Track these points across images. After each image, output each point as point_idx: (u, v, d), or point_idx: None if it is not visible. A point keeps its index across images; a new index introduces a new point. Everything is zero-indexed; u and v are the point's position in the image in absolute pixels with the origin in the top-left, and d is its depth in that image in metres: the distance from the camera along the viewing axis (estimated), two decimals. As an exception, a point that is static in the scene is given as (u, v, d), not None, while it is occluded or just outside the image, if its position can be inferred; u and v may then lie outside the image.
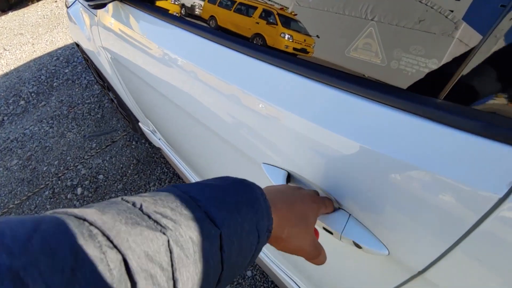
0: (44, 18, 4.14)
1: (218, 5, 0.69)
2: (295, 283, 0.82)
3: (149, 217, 0.23)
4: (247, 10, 0.61)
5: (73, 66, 2.88)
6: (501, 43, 0.26)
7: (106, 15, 1.08)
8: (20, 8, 4.78)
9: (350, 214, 0.42)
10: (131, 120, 1.72)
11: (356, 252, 0.42)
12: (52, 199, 1.74)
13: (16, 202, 1.77)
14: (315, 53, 0.46)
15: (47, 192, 1.78)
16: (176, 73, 0.74)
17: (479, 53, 0.28)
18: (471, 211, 0.29)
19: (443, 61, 0.31)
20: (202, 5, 0.72)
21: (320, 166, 0.44)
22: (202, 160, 0.98)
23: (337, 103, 0.40)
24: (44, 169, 1.94)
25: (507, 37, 0.26)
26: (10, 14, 4.67)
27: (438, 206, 0.32)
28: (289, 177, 0.50)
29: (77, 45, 1.75)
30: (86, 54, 1.65)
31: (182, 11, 0.78)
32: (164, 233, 0.23)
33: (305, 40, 0.48)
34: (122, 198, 0.25)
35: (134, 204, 0.24)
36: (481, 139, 0.28)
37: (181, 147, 1.14)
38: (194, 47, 0.67)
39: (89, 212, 0.21)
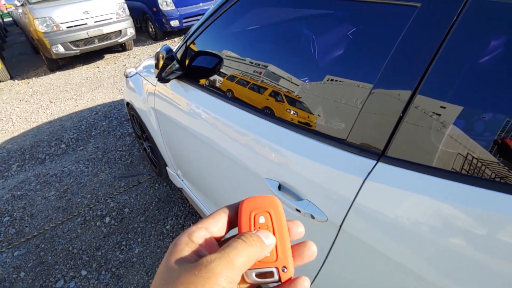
0: (87, 79, 4.88)
1: (236, 83, 1.13)
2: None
3: None
4: (258, 88, 1.03)
5: (109, 120, 3.42)
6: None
7: (162, 85, 1.58)
8: (66, 70, 5.61)
9: (309, 201, 0.79)
10: (160, 165, 2.13)
11: (311, 222, 0.79)
12: (83, 225, 2.06)
13: (51, 225, 2.09)
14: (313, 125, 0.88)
15: (79, 219, 2.11)
16: (208, 125, 1.18)
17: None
18: (351, 187, 0.68)
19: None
20: (222, 81, 1.18)
21: (298, 178, 0.83)
22: (216, 189, 1.35)
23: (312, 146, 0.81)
24: (78, 200, 2.29)
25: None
26: (58, 73, 5.48)
27: (339, 187, 0.70)
28: (280, 186, 0.89)
29: (127, 104, 2.27)
30: (134, 111, 2.14)
31: (208, 83, 1.25)
32: None
33: (308, 117, 0.88)
34: None
35: None
36: (355, 156, 0.69)
37: (203, 182, 1.52)
38: (221, 109, 1.12)
39: None
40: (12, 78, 5.55)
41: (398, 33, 0.64)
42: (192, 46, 1.41)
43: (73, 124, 3.47)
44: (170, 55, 1.26)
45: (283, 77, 0.95)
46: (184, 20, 6.22)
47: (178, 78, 1.47)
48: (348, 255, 0.75)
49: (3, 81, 5.41)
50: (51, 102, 4.21)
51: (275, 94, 0.96)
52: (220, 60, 1.19)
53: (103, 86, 4.48)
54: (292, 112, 0.90)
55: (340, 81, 0.78)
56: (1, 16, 13.82)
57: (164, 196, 2.22)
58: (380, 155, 0.65)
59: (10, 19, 16.94)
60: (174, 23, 6.15)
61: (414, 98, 0.60)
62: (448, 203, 0.55)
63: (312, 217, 0.77)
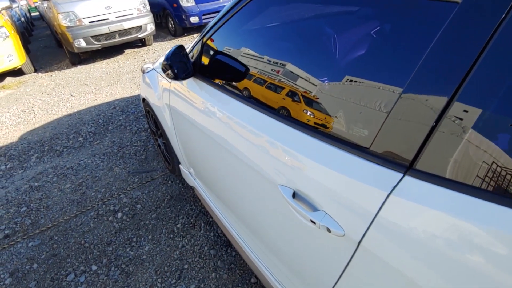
0: (107, 74, 4.95)
1: (252, 81, 1.08)
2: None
3: None
4: (275, 88, 0.96)
5: (126, 115, 3.44)
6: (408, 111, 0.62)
7: (178, 82, 1.54)
8: (88, 64, 5.72)
9: (326, 213, 0.74)
10: (173, 162, 2.11)
11: (327, 236, 0.73)
12: (95, 219, 2.06)
13: (65, 218, 2.11)
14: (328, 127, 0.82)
15: (92, 213, 2.12)
16: (222, 125, 1.13)
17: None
18: (373, 202, 0.62)
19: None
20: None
21: (315, 186, 0.77)
22: (229, 192, 1.31)
23: (319, 149, 0.75)
24: (92, 194, 2.31)
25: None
26: (79, 67, 5.59)
27: (359, 199, 0.64)
28: (294, 194, 0.83)
29: (143, 99, 2.26)
30: (150, 107, 2.13)
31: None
32: None
33: (325, 118, 0.79)
34: None
35: None
36: (380, 167, 0.62)
37: (215, 183, 1.48)
38: (236, 108, 1.07)
39: None
40: (36, 70, 5.71)
41: (434, 32, 0.57)
42: (209, 42, 1.37)
43: (91, 117, 3.52)
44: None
45: (301, 77, 0.90)
46: (203, 17, 6.22)
47: (194, 75, 1.43)
48: (366, 274, 0.69)
49: (27, 74, 5.57)
50: (71, 95, 4.29)
51: (292, 94, 0.91)
52: (245, 69, 1.13)
53: (122, 81, 4.53)
54: (309, 113, 0.84)
55: (365, 83, 0.71)
56: (29, 10, 14.28)
57: (176, 193, 2.20)
58: (408, 168, 0.59)
59: (37, 13, 17.52)
60: (194, 19, 6.16)
61: (450, 106, 0.53)
62: (485, 227, 0.48)
63: (328, 230, 0.71)
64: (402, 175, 0.59)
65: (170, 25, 6.90)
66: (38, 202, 2.31)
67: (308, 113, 0.84)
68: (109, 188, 2.34)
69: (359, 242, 0.66)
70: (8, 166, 2.82)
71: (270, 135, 0.91)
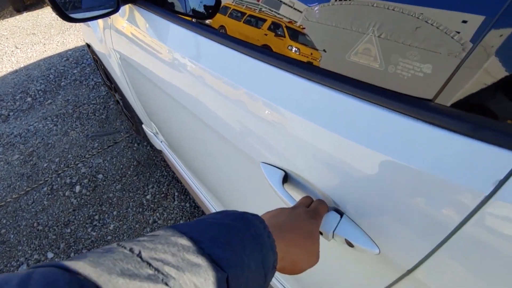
0: (57, 20, 4.24)
1: (228, 16, 0.70)
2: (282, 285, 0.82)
3: (149, 264, 0.22)
4: (256, 22, 0.63)
5: (81, 68, 2.94)
6: (488, 53, 0.29)
7: (119, 18, 1.12)
8: (34, 10, 4.90)
9: (343, 213, 0.43)
10: (135, 122, 1.74)
11: (348, 251, 0.43)
12: (50, 196, 1.74)
13: (14, 196, 1.78)
14: (321, 64, 0.48)
15: (45, 188, 1.79)
16: (183, 75, 0.77)
17: (469, 61, 0.30)
18: (457, 210, 0.31)
19: (436, 67, 0.33)
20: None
21: (317, 167, 0.45)
22: (201, 161, 0.99)
23: (335, 105, 0.42)
24: (45, 165, 1.95)
25: (493, 48, 0.28)
26: (25, 14, 4.79)
27: (426, 205, 0.33)
28: (286, 177, 0.52)
29: (88, 46, 1.80)
30: (96, 56, 1.69)
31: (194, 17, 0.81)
32: (167, 284, 0.21)
33: (311, 54, 0.50)
34: (118, 244, 0.23)
35: (132, 251, 0.22)
36: (470, 140, 0.30)
37: (182, 148, 1.15)
38: (202, 50, 0.70)
39: (81, 265, 0.19)
40: (-27, 21, 4.87)
41: None
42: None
43: (40, 73, 3.00)
44: None
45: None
46: None
47: (135, 2, 1.01)
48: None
49: (-37, 25, 4.75)
50: (16, 47, 3.66)
51: (275, 28, 0.55)
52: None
53: (74, 27, 3.88)
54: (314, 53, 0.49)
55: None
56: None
57: (144, 158, 1.87)
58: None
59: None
60: None
61: None
62: None
63: (350, 244, 0.42)
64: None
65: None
66: (-20, 179, 1.95)
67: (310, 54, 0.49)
68: (64, 157, 1.98)
69: (410, 271, 0.37)
70: None
71: (249, 85, 0.56)
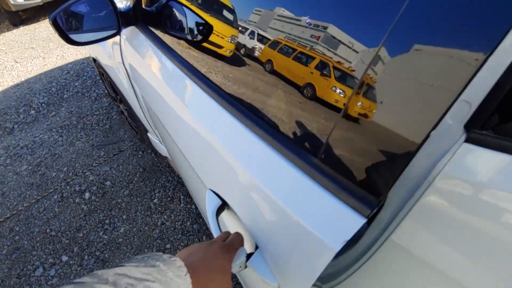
0: (55, 33, 4.33)
1: (277, 51, 0.64)
2: None
3: None
4: (306, 59, 0.57)
5: (83, 80, 3.04)
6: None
7: (129, 32, 1.23)
8: (31, 23, 4.98)
9: (257, 247, 0.54)
10: (140, 131, 1.84)
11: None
12: (60, 203, 1.83)
13: (25, 205, 1.86)
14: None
15: (55, 196, 1.88)
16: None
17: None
18: (319, 259, 0.42)
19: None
20: (262, 48, 0.67)
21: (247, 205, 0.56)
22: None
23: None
24: (53, 174, 2.04)
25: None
26: (22, 28, 4.86)
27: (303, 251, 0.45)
28: (222, 207, 0.62)
29: (94, 60, 1.91)
30: (102, 69, 1.80)
31: (242, 51, 0.73)
32: None
33: (363, 103, 0.43)
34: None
35: None
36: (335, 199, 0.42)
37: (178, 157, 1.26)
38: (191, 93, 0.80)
39: None
40: (-29, 36, 4.93)
41: None
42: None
43: (42, 86, 3.08)
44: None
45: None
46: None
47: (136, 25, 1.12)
48: None
49: (-39, 41, 4.81)
50: (16, 62, 3.74)
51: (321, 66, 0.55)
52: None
53: (73, 41, 3.97)
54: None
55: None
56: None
57: (149, 164, 1.97)
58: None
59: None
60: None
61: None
62: None
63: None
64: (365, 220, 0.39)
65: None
66: (-9, 190, 2.02)
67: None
68: (72, 166, 2.07)
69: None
70: (-49, 151, 2.46)
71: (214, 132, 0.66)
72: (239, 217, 0.57)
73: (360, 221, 0.38)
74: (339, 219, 0.40)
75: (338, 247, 0.38)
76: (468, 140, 0.32)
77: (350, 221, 0.39)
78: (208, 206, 0.60)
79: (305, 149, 0.48)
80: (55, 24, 0.89)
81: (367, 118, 0.40)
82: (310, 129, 0.49)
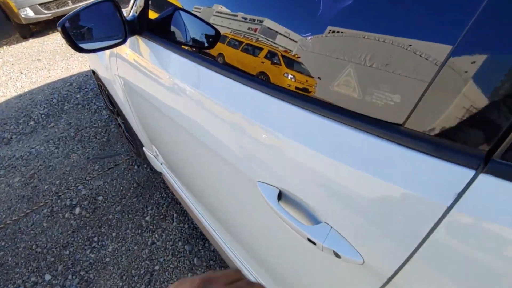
0: (62, 46, 4.39)
1: (226, 44, 0.74)
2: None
3: None
4: (253, 50, 0.67)
5: (84, 92, 3.03)
6: (452, 77, 0.34)
7: (124, 47, 1.20)
8: (40, 36, 5.08)
9: (331, 227, 0.47)
10: (136, 145, 1.79)
11: (335, 262, 0.47)
12: (49, 218, 1.76)
13: (13, 218, 1.79)
14: (315, 91, 0.53)
15: (45, 210, 1.81)
16: (184, 100, 0.83)
17: (432, 87, 0.35)
18: (424, 220, 0.35)
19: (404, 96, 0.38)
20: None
21: (310, 186, 0.50)
22: (201, 182, 1.04)
23: (322, 129, 0.47)
24: (45, 187, 1.98)
25: (458, 73, 0.34)
26: (31, 41, 4.95)
27: (399, 216, 0.38)
28: (280, 194, 0.56)
29: (94, 72, 1.88)
30: (101, 81, 1.77)
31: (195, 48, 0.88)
32: None
33: (307, 81, 0.53)
34: None
35: None
36: (434, 159, 0.35)
37: (182, 169, 1.20)
38: (202, 78, 0.77)
39: None
40: (-19, 47, 5.02)
41: None
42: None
43: (44, 97, 3.08)
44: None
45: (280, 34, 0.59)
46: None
47: (140, 34, 1.09)
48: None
49: (-29, 51, 4.90)
50: (21, 73, 3.77)
51: (271, 56, 0.61)
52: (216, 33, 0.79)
53: (78, 54, 4.01)
54: (305, 82, 0.55)
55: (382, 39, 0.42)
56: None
57: (144, 180, 1.91)
58: (485, 162, 0.32)
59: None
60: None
61: None
62: None
63: (337, 255, 0.45)
64: (474, 172, 0.32)
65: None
66: (-19, 201, 1.96)
67: (306, 81, 0.55)
68: (65, 179, 2.01)
69: (390, 278, 0.41)
70: None
71: (246, 111, 0.62)
72: (304, 201, 0.52)
73: (470, 173, 0.33)
74: (443, 177, 0.35)
75: (448, 202, 0.33)
76: None
77: (457, 174, 0.34)
78: (267, 197, 0.55)
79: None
80: (63, 31, 0.87)
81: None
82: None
